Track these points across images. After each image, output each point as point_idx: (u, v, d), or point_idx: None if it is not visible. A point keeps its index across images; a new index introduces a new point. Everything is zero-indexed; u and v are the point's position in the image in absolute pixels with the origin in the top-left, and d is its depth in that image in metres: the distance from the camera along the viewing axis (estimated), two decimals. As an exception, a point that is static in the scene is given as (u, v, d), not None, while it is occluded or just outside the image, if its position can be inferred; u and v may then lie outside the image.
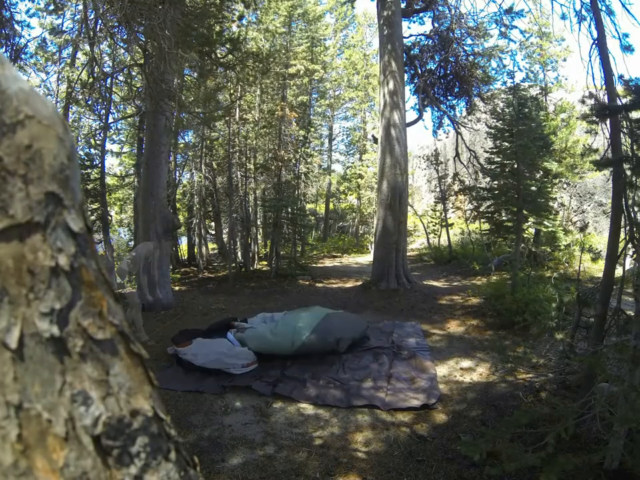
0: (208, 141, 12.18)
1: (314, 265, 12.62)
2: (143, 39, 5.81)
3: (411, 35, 11.15)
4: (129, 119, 11.74)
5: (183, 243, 15.23)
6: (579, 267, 6.77)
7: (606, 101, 3.46)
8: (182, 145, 12.79)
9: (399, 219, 8.26)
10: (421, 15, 11.01)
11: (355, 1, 12.84)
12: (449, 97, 11.91)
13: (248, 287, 8.97)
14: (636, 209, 2.91)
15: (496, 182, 8.67)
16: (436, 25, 10.78)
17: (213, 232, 15.55)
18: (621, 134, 3.15)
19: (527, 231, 9.19)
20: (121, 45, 6.93)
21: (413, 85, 11.37)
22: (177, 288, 9.04)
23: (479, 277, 9.21)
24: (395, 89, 8.39)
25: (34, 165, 0.30)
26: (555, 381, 3.71)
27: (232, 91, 10.81)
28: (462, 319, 5.98)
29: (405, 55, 9.74)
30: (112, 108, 10.45)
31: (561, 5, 7.25)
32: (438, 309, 6.68)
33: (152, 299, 5.97)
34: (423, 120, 12.49)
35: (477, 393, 3.65)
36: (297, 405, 3.46)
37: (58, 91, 9.98)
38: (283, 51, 13.19)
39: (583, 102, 3.86)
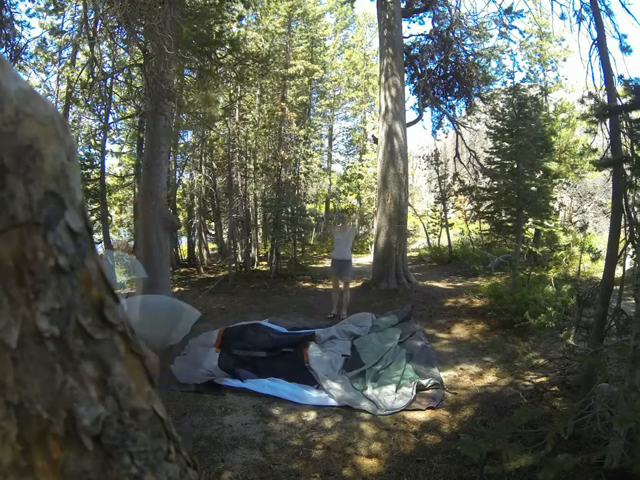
0: (208, 141, 12.18)
1: (314, 265, 12.62)
2: (143, 39, 5.81)
3: (410, 35, 11.15)
4: (128, 119, 11.73)
5: (183, 243, 15.23)
6: (579, 267, 6.77)
7: (606, 101, 3.46)
8: (182, 145, 12.79)
9: (399, 219, 8.26)
10: (421, 15, 11.00)
11: (355, 1, 12.85)
12: (449, 97, 11.90)
13: (248, 287, 8.96)
14: (636, 209, 2.91)
15: (496, 182, 8.68)
16: (436, 25, 10.78)
17: (213, 232, 15.55)
18: (621, 134, 3.15)
19: (527, 231, 9.19)
20: (121, 45, 6.93)
21: (413, 85, 11.36)
22: (176, 288, 9.04)
23: (480, 277, 9.20)
24: (395, 90, 8.39)
25: (34, 165, 0.30)
26: (555, 381, 3.71)
27: (232, 91, 10.81)
28: (462, 320, 5.97)
29: (405, 55, 9.73)
30: (112, 108, 10.45)
31: (561, 5, 7.23)
32: (438, 308, 6.68)
33: None
34: (423, 120, 12.51)
35: (477, 393, 3.64)
36: (297, 404, 3.46)
37: (58, 91, 9.97)
38: (283, 51, 13.18)
39: (582, 102, 3.85)
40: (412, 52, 11.13)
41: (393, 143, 8.27)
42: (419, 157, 22.63)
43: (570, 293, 4.55)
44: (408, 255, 10.44)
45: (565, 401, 3.25)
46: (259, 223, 13.77)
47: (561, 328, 4.30)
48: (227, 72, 7.66)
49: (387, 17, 8.57)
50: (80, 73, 8.39)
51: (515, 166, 7.39)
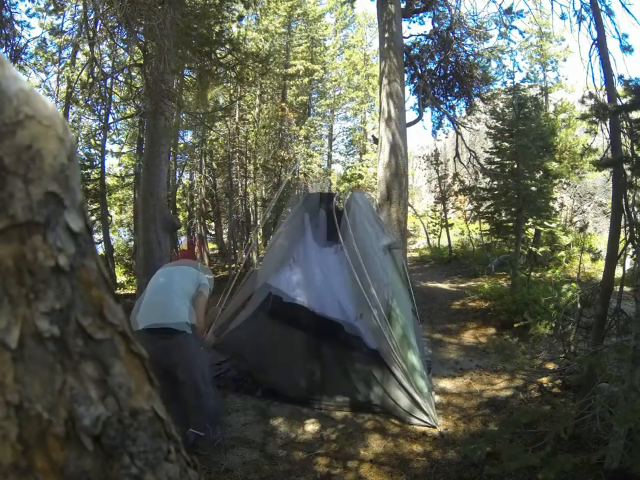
0: (208, 141, 12.18)
1: (314, 265, 12.58)
2: (143, 39, 5.80)
3: (410, 35, 11.14)
4: (129, 119, 11.73)
5: (183, 243, 15.22)
6: (579, 267, 6.76)
7: (606, 101, 3.46)
8: (182, 145, 12.79)
9: (399, 219, 8.25)
10: (421, 15, 10.99)
11: (355, 1, 12.82)
12: (449, 97, 11.89)
13: (248, 287, 8.95)
14: (636, 209, 2.91)
15: (496, 182, 8.68)
16: (436, 25, 10.76)
17: (213, 232, 15.56)
18: (621, 134, 3.15)
19: (527, 232, 9.19)
20: (121, 45, 6.92)
21: (413, 85, 11.35)
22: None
23: (480, 277, 9.19)
24: (395, 90, 8.38)
25: (34, 165, 0.30)
26: (555, 381, 3.71)
27: (232, 91, 10.81)
28: (463, 320, 5.98)
29: (405, 55, 9.72)
30: (112, 108, 10.45)
31: (561, 5, 7.22)
32: (439, 309, 6.68)
33: None
34: (423, 120, 12.47)
35: (478, 394, 3.64)
36: (297, 405, 3.45)
37: (58, 91, 9.99)
38: (283, 51, 13.20)
39: (582, 102, 3.85)
40: (412, 52, 11.12)
41: (393, 144, 8.26)
42: (419, 157, 22.60)
43: (571, 293, 4.56)
44: (408, 255, 10.44)
45: (565, 401, 3.24)
46: (259, 223, 13.77)
47: (561, 328, 4.29)
48: (227, 72, 7.64)
49: (387, 17, 8.57)
50: (80, 73, 8.39)
51: (515, 166, 7.38)
